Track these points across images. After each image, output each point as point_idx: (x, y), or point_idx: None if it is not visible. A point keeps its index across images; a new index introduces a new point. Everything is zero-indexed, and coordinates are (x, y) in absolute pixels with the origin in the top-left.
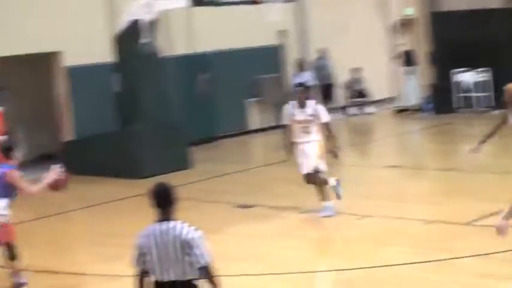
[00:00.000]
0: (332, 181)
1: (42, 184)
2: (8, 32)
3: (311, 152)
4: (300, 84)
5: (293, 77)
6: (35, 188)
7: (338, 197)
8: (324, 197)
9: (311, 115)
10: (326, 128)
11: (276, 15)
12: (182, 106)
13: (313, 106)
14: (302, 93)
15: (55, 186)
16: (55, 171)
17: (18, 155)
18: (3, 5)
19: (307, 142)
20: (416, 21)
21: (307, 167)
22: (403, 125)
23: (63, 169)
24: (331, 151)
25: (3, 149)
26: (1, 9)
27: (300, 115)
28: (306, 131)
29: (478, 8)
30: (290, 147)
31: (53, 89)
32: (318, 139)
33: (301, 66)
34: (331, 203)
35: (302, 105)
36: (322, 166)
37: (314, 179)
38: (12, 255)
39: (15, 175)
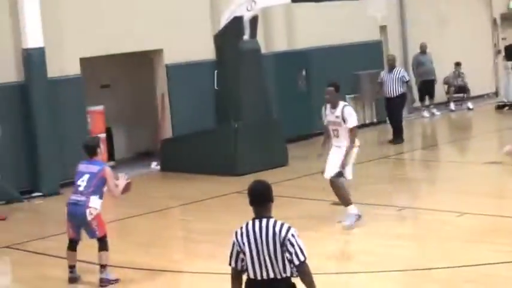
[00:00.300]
0: (353, 209)
1: (119, 189)
2: (111, 30)
3: (333, 157)
4: (332, 84)
5: (384, 74)
6: (117, 192)
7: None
8: (344, 202)
9: (337, 117)
10: (349, 134)
11: (377, 10)
12: (280, 103)
13: (341, 108)
14: (330, 93)
15: (123, 191)
16: (124, 178)
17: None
18: (107, 4)
19: (337, 146)
20: None
21: (327, 173)
22: (503, 120)
23: (127, 176)
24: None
25: (90, 146)
26: (105, 8)
27: (330, 116)
28: (336, 134)
29: None
30: (324, 148)
31: (153, 87)
32: (345, 145)
33: (391, 63)
34: (355, 208)
35: (334, 106)
36: (345, 174)
37: (334, 186)
38: (102, 247)
39: (110, 172)
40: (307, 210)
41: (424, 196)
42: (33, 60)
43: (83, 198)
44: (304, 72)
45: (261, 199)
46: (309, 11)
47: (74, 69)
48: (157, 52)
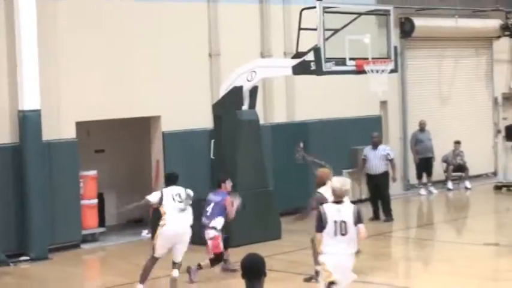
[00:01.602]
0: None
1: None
2: (109, 95)
3: None
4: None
5: (368, 151)
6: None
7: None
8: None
9: None
10: None
11: (378, 85)
12: (277, 174)
13: None
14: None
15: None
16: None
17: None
18: (106, 69)
19: None
20: None
21: None
22: (501, 201)
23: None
24: None
25: (219, 180)
26: (104, 73)
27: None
28: None
29: None
30: None
31: (149, 153)
32: None
33: (376, 140)
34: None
35: None
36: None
37: None
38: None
39: (230, 201)
40: (299, 286)
41: (418, 276)
42: (28, 122)
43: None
44: (302, 145)
45: (253, 273)
46: (309, 83)
47: (69, 132)
48: (155, 119)
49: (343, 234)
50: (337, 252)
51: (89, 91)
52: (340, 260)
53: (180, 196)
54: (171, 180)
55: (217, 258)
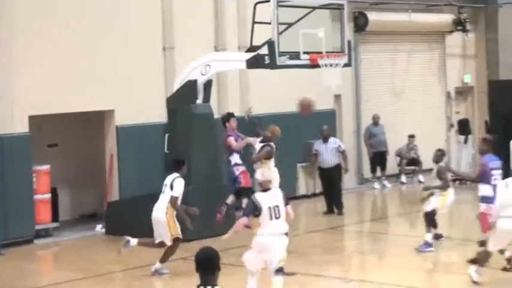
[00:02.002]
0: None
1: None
2: (62, 89)
3: None
4: None
5: (318, 145)
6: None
7: None
8: None
9: None
10: None
11: (332, 79)
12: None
13: None
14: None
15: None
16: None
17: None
18: (60, 63)
19: None
20: (473, 90)
21: None
22: (455, 194)
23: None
24: None
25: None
26: (57, 67)
27: None
28: None
29: None
30: None
31: (103, 147)
32: None
33: (326, 134)
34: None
35: None
36: None
37: None
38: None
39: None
40: None
41: (371, 269)
42: None
43: None
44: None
45: (207, 266)
46: (263, 77)
47: (22, 127)
48: (109, 113)
49: (277, 218)
50: (273, 233)
51: (42, 85)
52: (275, 240)
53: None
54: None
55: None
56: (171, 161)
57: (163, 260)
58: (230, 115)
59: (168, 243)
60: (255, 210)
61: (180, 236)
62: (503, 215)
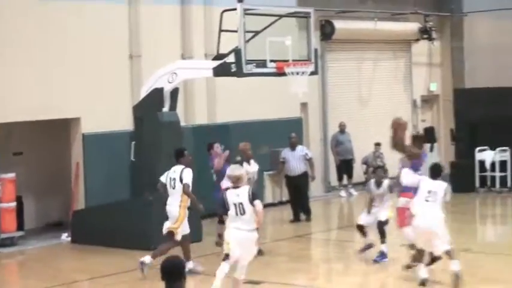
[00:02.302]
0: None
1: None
2: (28, 97)
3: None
4: None
5: (286, 152)
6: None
7: None
8: None
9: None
10: None
11: (298, 87)
12: (199, 177)
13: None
14: None
15: None
16: None
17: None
18: (25, 70)
19: None
20: (439, 98)
21: None
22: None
23: None
24: None
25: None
26: (22, 74)
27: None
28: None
29: (501, 86)
30: None
31: (68, 155)
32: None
33: (294, 141)
34: None
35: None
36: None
37: None
38: None
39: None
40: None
41: (338, 277)
42: None
43: None
44: (223, 147)
45: (173, 275)
46: (230, 85)
47: None
48: (75, 121)
49: (242, 214)
50: (239, 229)
51: (7, 92)
52: (243, 236)
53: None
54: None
55: None
56: (174, 152)
57: (188, 257)
58: (212, 144)
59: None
60: (225, 207)
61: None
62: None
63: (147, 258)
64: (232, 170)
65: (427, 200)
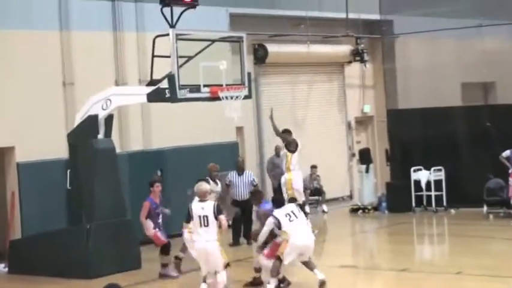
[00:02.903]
0: None
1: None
2: None
3: None
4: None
5: (233, 176)
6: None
7: None
8: None
9: None
10: None
11: (234, 112)
12: (135, 204)
13: None
14: None
15: None
16: None
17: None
18: None
19: None
20: (373, 119)
21: None
22: (358, 224)
23: None
24: None
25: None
26: None
27: None
28: None
29: (434, 106)
30: None
31: (3, 185)
32: None
33: (241, 165)
34: None
35: None
36: None
37: None
38: None
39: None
40: None
41: None
42: None
43: None
44: (159, 173)
45: None
46: (165, 110)
47: None
48: (8, 149)
49: (206, 226)
50: (201, 240)
51: None
52: (204, 246)
53: None
54: None
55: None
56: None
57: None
58: (155, 181)
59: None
60: (188, 217)
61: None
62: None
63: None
64: (199, 185)
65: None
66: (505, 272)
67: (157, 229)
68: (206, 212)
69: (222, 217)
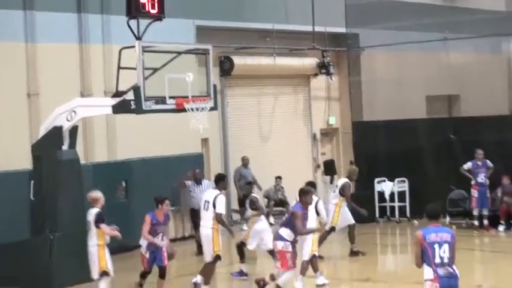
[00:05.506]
0: None
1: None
2: None
3: None
4: None
5: (191, 186)
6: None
7: None
8: None
9: None
10: None
11: (199, 123)
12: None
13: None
14: None
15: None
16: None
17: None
18: None
19: None
20: (338, 131)
21: None
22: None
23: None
24: None
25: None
26: None
27: None
28: None
29: (398, 119)
30: None
31: None
32: None
33: (199, 176)
34: None
35: None
36: None
37: None
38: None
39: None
40: None
41: None
42: None
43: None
44: (124, 184)
45: None
46: (131, 122)
47: None
48: None
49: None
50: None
51: None
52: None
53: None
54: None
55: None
56: (214, 177)
57: (206, 282)
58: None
59: (209, 259)
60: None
61: (220, 254)
62: None
63: (198, 278)
64: (91, 192)
65: None
66: (467, 282)
67: (148, 253)
68: (89, 218)
69: (103, 225)
